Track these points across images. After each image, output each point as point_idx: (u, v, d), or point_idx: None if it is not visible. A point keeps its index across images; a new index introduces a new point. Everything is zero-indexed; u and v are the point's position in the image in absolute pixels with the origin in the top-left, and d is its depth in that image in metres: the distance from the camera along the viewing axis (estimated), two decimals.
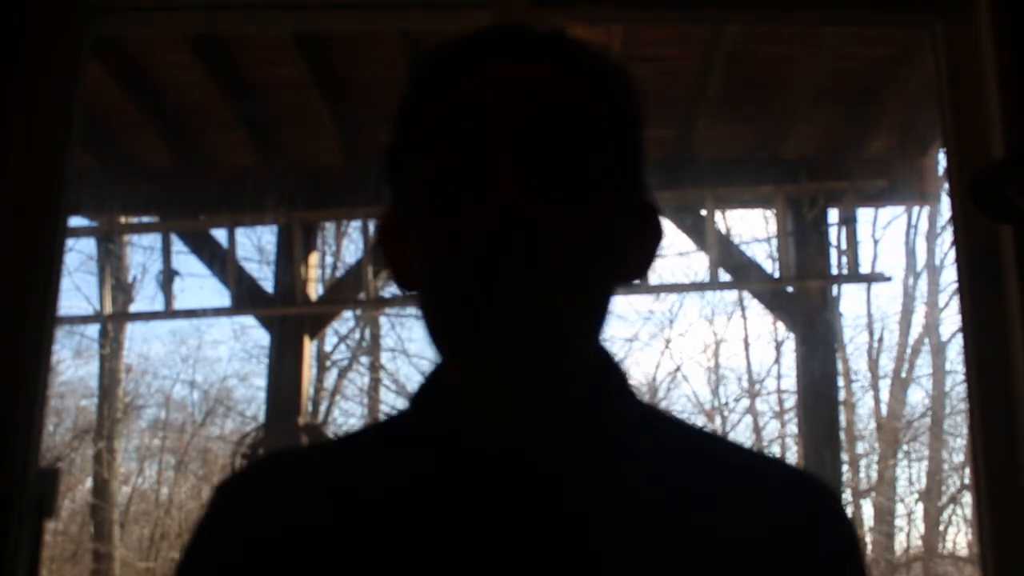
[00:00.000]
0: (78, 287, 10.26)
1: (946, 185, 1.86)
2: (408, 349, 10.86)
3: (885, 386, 10.90)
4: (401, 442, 0.78)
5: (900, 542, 10.52)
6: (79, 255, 9.36)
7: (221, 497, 0.80)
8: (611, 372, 0.79)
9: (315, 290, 6.30)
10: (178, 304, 6.27)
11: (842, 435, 8.16)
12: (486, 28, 0.76)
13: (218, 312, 6.85)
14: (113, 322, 9.53)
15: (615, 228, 0.73)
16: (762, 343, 13.37)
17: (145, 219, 6.46)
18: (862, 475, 10.61)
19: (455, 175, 0.71)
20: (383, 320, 10.74)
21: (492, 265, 0.67)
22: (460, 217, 0.69)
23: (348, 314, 9.90)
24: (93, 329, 10.11)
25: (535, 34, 0.76)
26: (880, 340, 10.99)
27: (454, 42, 0.76)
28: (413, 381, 10.66)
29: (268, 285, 6.22)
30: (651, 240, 0.80)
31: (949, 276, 10.21)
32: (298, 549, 0.73)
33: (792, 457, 10.30)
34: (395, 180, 0.78)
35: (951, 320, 10.63)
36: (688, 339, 15.42)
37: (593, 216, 0.71)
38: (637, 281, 0.79)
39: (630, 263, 0.78)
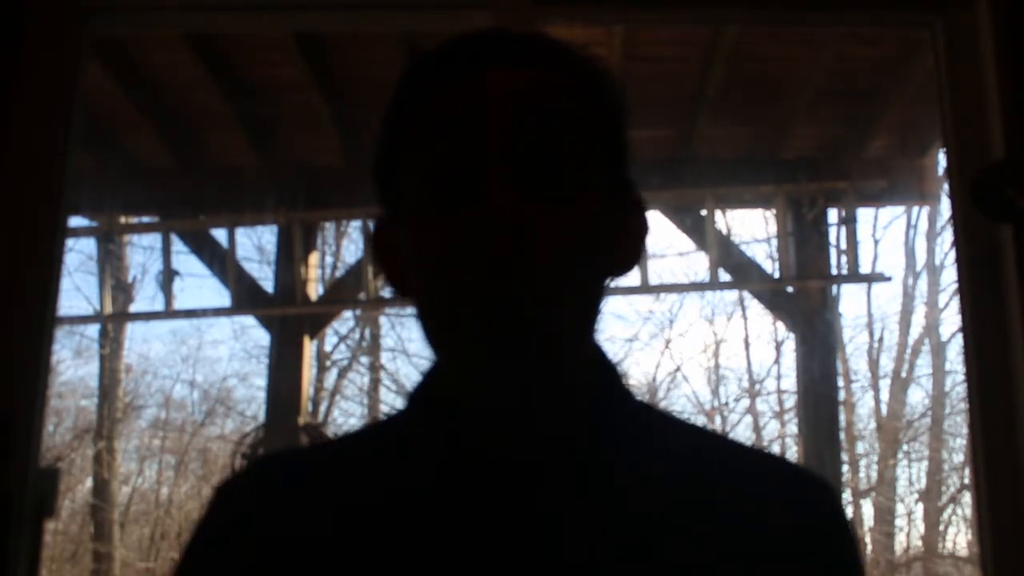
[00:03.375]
0: (78, 287, 10.26)
1: (946, 185, 1.86)
2: (408, 349, 10.85)
3: (885, 386, 10.90)
4: (399, 444, 0.79)
5: (900, 542, 10.52)
6: (79, 255, 9.36)
7: (220, 498, 0.81)
8: (607, 371, 0.80)
9: (315, 290, 6.30)
10: (178, 304, 6.28)
11: (842, 435, 8.15)
12: (472, 33, 0.77)
13: (218, 312, 6.85)
14: (113, 322, 9.53)
15: (603, 226, 0.75)
16: (762, 343, 13.36)
17: (145, 219, 6.46)
18: (862, 475, 10.60)
19: (447, 182, 0.72)
20: (383, 320, 10.74)
21: (488, 271, 0.68)
22: (455, 224, 0.70)
23: (348, 314, 9.90)
24: (93, 329, 10.11)
25: (521, 38, 0.77)
26: (880, 340, 10.99)
27: (441, 48, 0.77)
28: (413, 381, 10.59)
29: (268, 285, 6.22)
30: (638, 234, 0.81)
31: (949, 276, 10.22)
32: (295, 552, 0.73)
33: (792, 457, 10.30)
34: (385, 187, 0.79)
35: (951, 320, 10.63)
36: (688, 339, 15.42)
37: (582, 216, 0.73)
38: (626, 274, 0.81)
39: (619, 258, 0.80)
